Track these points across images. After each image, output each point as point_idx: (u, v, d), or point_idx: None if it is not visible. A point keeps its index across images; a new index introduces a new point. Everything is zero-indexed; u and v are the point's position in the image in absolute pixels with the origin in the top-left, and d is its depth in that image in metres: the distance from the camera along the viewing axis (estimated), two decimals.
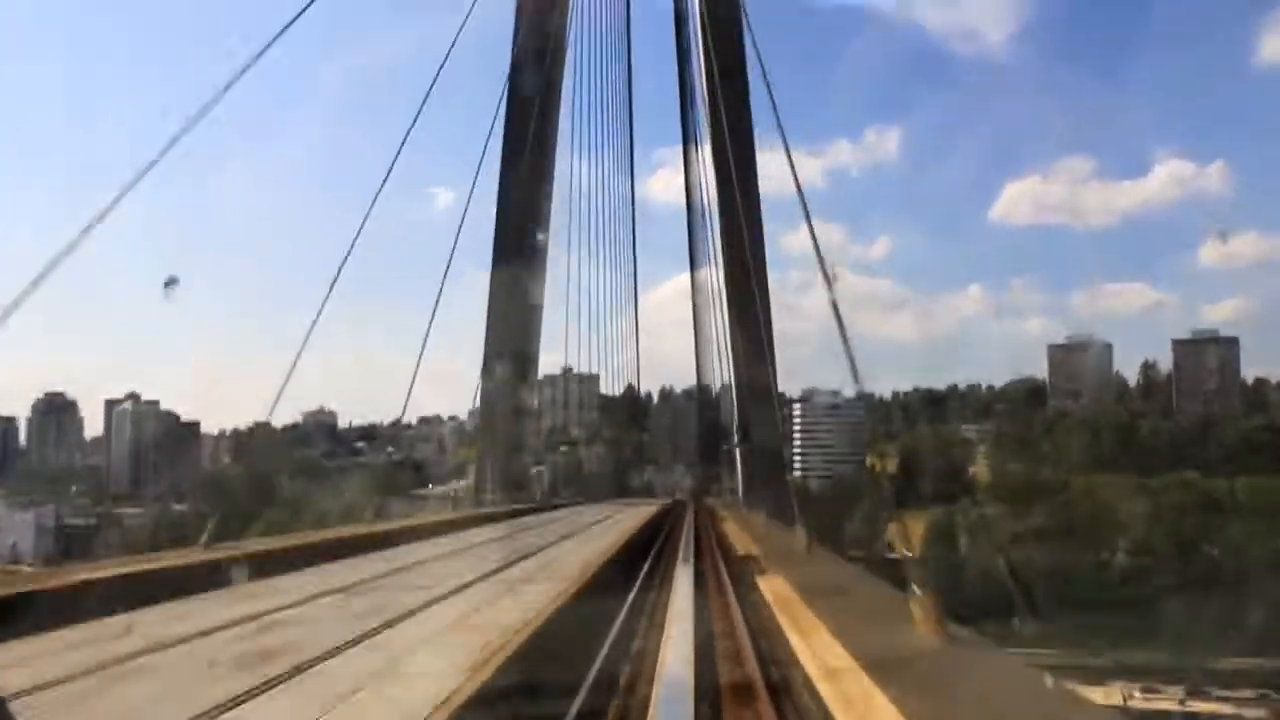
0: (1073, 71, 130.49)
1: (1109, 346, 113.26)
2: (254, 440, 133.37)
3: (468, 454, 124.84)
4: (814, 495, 78.35)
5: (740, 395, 36.09)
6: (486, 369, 39.00)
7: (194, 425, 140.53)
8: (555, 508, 48.50)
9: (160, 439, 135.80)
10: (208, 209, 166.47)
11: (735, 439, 46.93)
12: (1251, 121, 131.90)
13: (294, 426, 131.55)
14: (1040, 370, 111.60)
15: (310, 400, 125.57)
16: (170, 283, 22.56)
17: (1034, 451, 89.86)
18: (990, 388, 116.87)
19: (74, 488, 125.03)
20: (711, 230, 36.24)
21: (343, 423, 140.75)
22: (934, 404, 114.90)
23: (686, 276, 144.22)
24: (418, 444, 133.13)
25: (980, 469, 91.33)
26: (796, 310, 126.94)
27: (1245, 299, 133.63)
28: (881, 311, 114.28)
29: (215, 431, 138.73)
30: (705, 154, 48.07)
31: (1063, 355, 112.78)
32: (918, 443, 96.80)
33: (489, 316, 38.53)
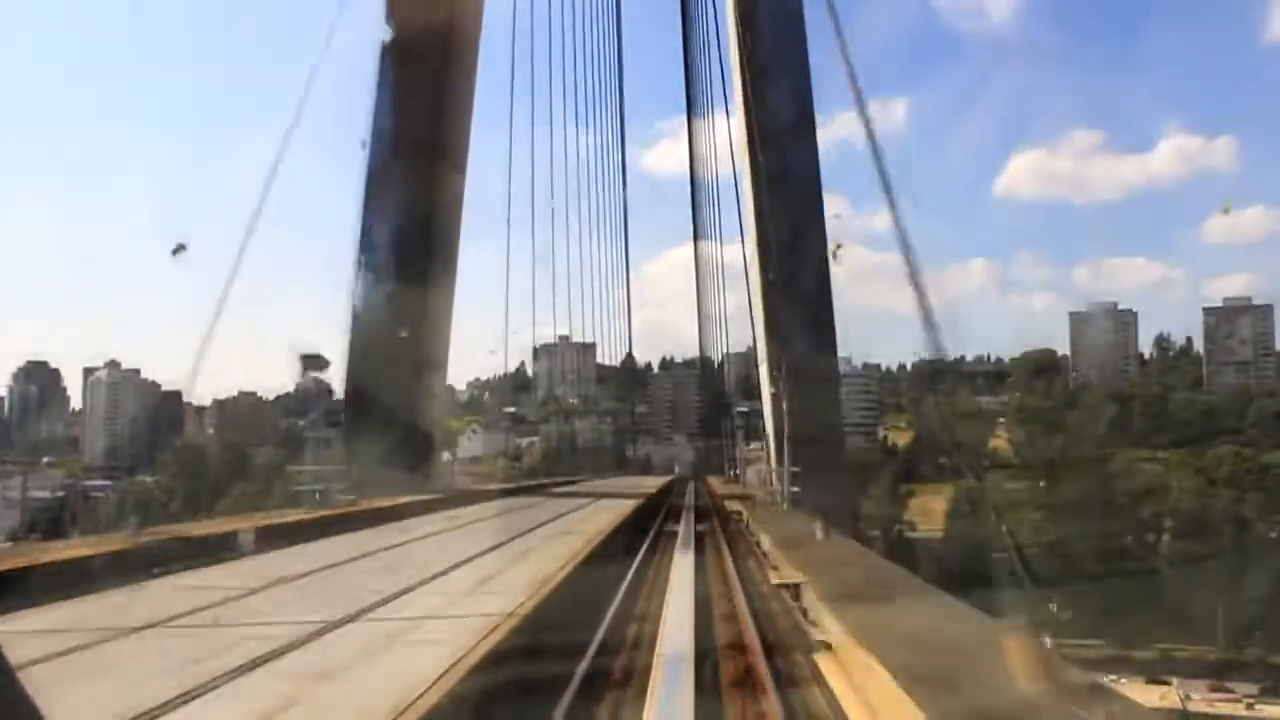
0: (1080, 44, 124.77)
1: (1133, 314, 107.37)
2: (238, 409, 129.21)
3: (458, 425, 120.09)
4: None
5: (774, 364, 29.75)
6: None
7: (175, 394, 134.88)
8: (516, 492, 37.34)
9: (138, 408, 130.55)
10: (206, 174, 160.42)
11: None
12: (1260, 96, 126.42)
13: (287, 395, 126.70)
14: (1049, 342, 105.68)
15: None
16: (178, 249, 23.68)
17: (1057, 424, 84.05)
18: (999, 359, 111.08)
19: (45, 459, 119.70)
20: (741, 197, 31.05)
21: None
22: (942, 375, 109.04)
23: (688, 248, 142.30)
24: None
25: (1001, 442, 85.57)
26: None
27: (1251, 274, 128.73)
28: (884, 283, 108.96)
29: (205, 401, 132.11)
30: (717, 123, 42.82)
31: (1085, 324, 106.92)
32: (932, 414, 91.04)
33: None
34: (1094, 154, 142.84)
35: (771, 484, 28.36)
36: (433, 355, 31.63)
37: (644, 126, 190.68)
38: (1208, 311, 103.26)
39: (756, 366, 37.76)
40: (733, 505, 27.56)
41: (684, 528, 23.05)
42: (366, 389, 28.50)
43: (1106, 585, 51.29)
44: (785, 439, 25.95)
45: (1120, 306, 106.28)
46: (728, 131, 39.17)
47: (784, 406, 24.64)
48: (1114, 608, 49.75)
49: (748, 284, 35.44)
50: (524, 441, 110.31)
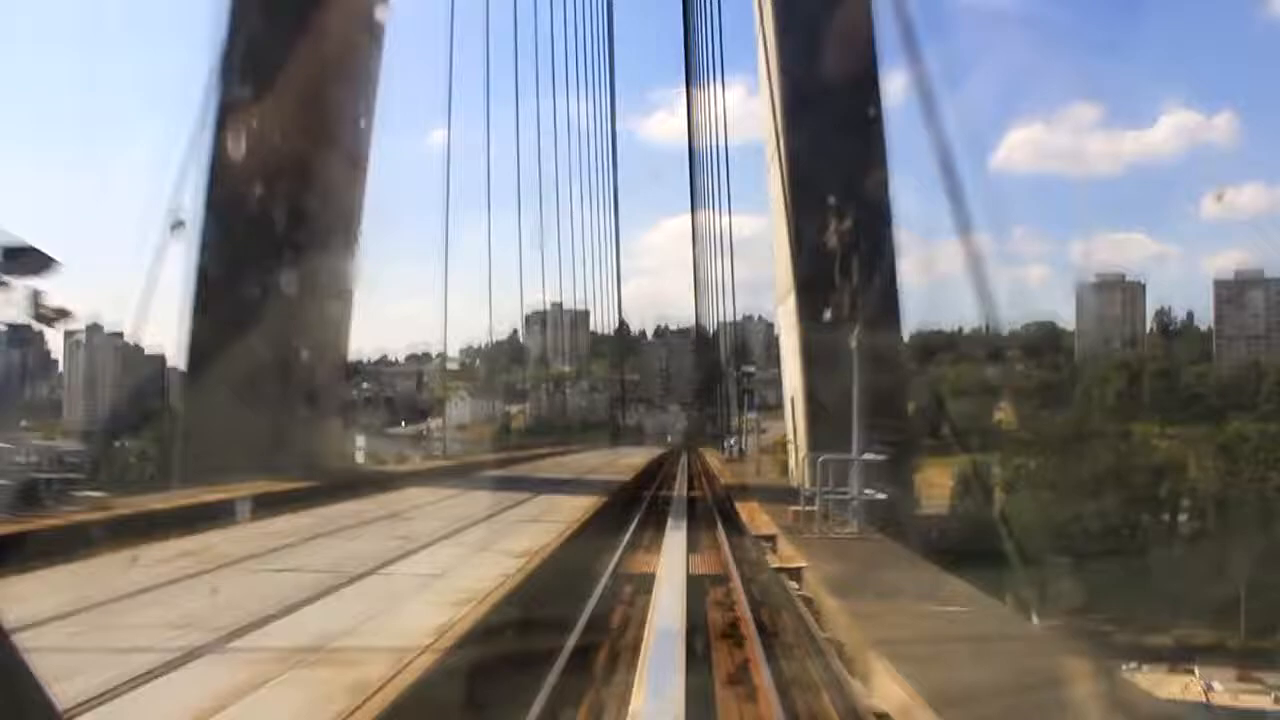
0: (1079, 17, 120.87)
1: (1140, 286, 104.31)
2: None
3: (444, 391, 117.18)
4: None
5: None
6: None
7: (160, 358, 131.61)
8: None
9: (119, 372, 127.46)
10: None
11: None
12: (1260, 73, 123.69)
13: None
14: (1048, 315, 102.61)
15: None
16: (177, 225, 21.85)
17: (1063, 397, 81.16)
18: (995, 332, 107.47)
19: (22, 423, 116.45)
20: (783, 160, 27.18)
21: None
22: (935, 349, 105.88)
23: (684, 218, 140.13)
24: (398, 380, 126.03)
25: (1004, 415, 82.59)
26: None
27: (1249, 250, 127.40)
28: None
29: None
30: (720, 89, 39.03)
31: (1093, 295, 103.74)
32: (931, 386, 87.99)
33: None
34: (1092, 129, 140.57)
35: (802, 477, 19.03)
36: (325, 315, 26.50)
37: (639, 97, 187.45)
38: (1219, 284, 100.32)
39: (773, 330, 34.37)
40: (758, 521, 16.90)
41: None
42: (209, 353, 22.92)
43: (1121, 567, 48.56)
44: (856, 412, 15.10)
45: (1128, 278, 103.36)
46: (730, 101, 35.76)
47: (854, 368, 13.54)
48: (1130, 591, 47.03)
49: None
50: (513, 409, 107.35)
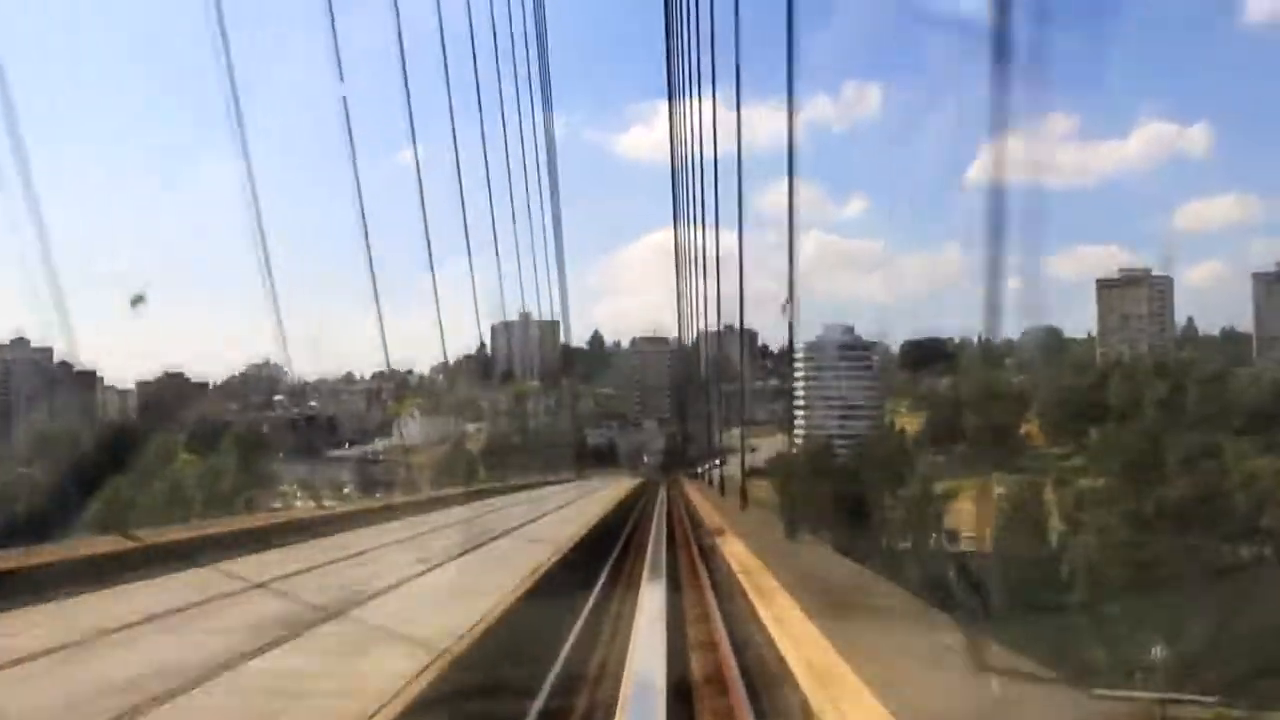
0: (1055, 29, 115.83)
1: (1169, 281, 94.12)
2: (160, 394, 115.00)
3: (396, 409, 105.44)
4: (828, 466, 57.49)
5: None
6: None
7: (90, 375, 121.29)
8: None
9: (43, 390, 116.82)
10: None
11: None
12: (1236, 83, 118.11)
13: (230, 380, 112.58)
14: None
15: (255, 352, 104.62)
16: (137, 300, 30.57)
17: (1094, 405, 70.47)
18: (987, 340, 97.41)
19: None
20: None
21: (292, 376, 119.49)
22: (930, 359, 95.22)
23: (659, 234, 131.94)
24: (356, 399, 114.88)
25: (1031, 428, 71.67)
26: (770, 270, 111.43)
27: (1221, 262, 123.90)
28: (855, 271, 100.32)
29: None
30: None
31: (1116, 293, 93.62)
32: (950, 396, 77.14)
33: None
34: (1066, 140, 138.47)
35: None
36: None
37: (616, 112, 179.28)
38: (1258, 278, 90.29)
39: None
40: None
41: None
42: None
43: (1217, 617, 37.30)
44: None
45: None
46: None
47: None
48: (1229, 651, 35.73)
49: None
50: (471, 428, 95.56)
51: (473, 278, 37.50)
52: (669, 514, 27.49)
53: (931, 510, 52.27)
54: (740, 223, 24.11)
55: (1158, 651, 38.08)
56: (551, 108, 49.86)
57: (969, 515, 52.73)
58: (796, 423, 77.07)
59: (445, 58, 27.37)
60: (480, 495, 33.33)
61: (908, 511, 52.43)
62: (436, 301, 29.57)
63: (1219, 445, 44.90)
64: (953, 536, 51.76)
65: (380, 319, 25.01)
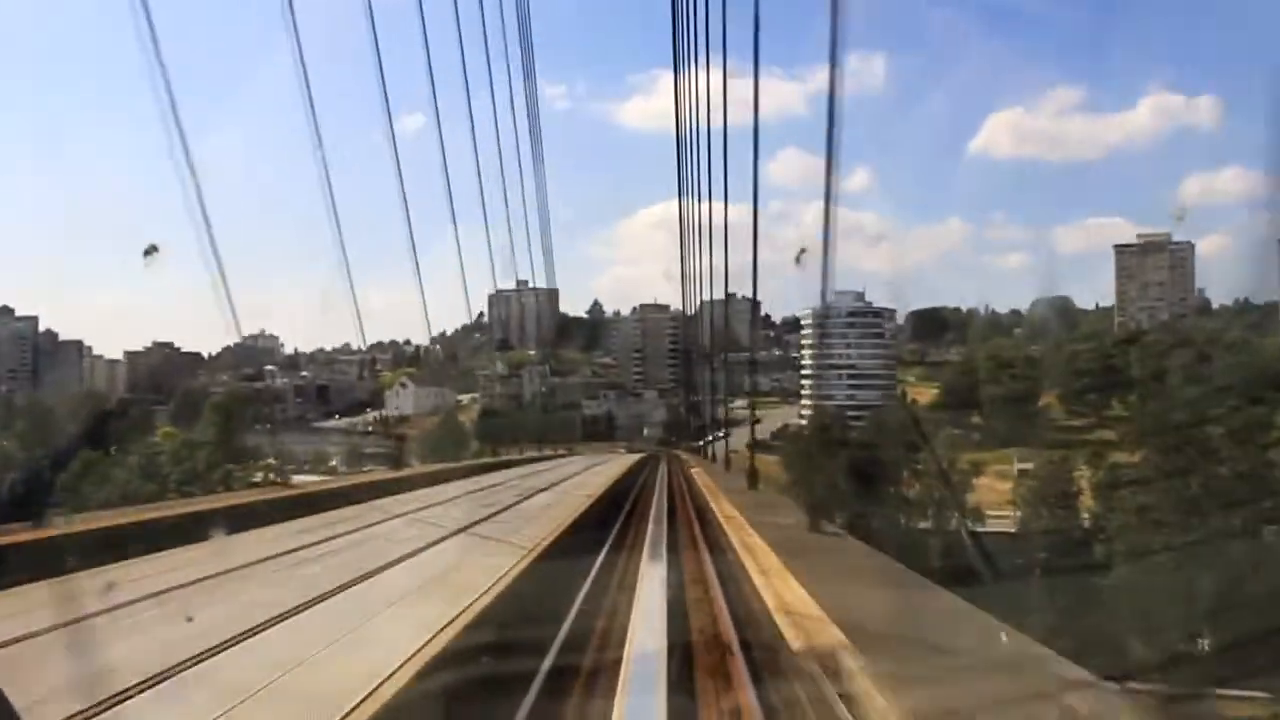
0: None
1: (1190, 246, 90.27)
2: (150, 365, 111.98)
3: (391, 379, 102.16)
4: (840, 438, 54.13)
5: None
6: None
7: (75, 344, 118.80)
8: None
9: (24, 360, 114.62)
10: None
11: None
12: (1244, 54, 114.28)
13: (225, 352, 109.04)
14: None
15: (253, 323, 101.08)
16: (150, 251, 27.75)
17: (1115, 373, 67.05)
18: (992, 310, 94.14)
19: None
20: None
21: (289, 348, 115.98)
22: (938, 330, 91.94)
23: (662, 205, 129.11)
24: (349, 368, 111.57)
25: (1051, 399, 68.19)
26: (773, 242, 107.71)
27: (1227, 235, 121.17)
28: (860, 243, 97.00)
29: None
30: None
31: (1135, 260, 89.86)
32: (963, 366, 73.72)
33: None
34: (1072, 112, 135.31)
35: None
36: None
37: (618, 82, 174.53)
38: None
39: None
40: None
41: None
42: None
43: (1272, 605, 34.07)
44: None
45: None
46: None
47: None
48: None
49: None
50: (464, 398, 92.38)
51: (459, 247, 36.17)
52: (670, 485, 24.08)
53: (951, 484, 48.99)
54: (755, 182, 23.19)
55: (1204, 643, 34.95)
56: (534, 74, 47.54)
57: (992, 491, 49.83)
58: (804, 393, 73.90)
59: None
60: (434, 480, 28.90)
61: (929, 489, 49.16)
62: (417, 271, 28.59)
63: (1271, 417, 41.49)
64: (978, 514, 48.54)
65: (352, 289, 23.15)
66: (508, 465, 42.18)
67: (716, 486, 24.97)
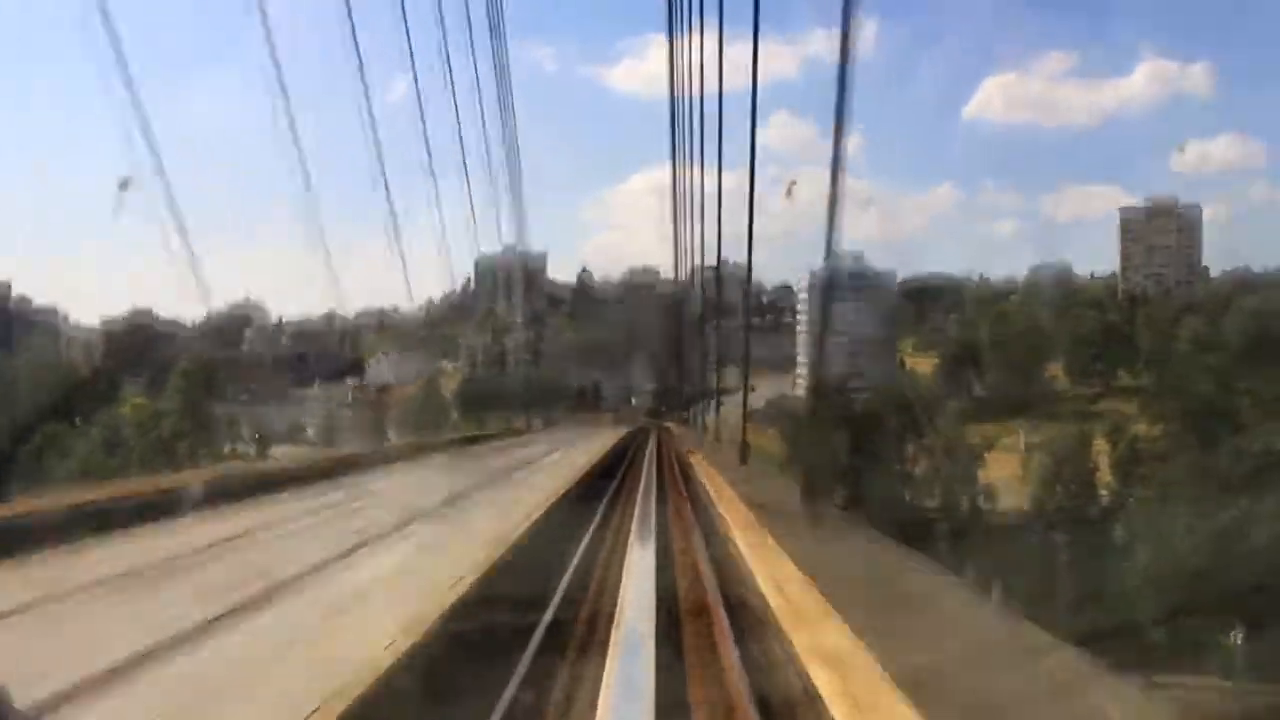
0: None
1: (1198, 209, 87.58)
2: (126, 334, 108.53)
3: (373, 347, 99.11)
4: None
5: None
6: None
7: (50, 311, 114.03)
8: None
9: None
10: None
11: None
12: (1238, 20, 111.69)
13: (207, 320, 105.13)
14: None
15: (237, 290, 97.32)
16: (124, 184, 20.62)
17: (1124, 342, 64.58)
18: (984, 278, 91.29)
19: None
20: None
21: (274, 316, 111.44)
22: (932, 297, 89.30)
23: (653, 171, 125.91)
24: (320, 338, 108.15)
25: (1055, 370, 65.50)
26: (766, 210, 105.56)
27: (1222, 204, 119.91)
28: (852, 209, 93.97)
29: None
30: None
31: (1141, 224, 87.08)
32: (962, 335, 71.01)
33: None
34: (1066, 78, 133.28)
35: None
36: None
37: (608, 45, 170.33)
38: None
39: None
40: None
41: None
42: None
43: None
44: None
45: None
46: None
47: None
48: None
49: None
50: (449, 366, 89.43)
51: (440, 214, 35.47)
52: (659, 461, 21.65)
53: (963, 463, 46.42)
54: (753, 144, 22.20)
55: (1236, 636, 32.48)
56: (504, 35, 45.29)
57: (1002, 467, 47.05)
58: (799, 360, 71.12)
59: None
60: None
61: (935, 465, 46.54)
62: (396, 236, 27.93)
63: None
64: (989, 492, 45.91)
65: (327, 253, 22.11)
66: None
67: (708, 465, 22.42)
